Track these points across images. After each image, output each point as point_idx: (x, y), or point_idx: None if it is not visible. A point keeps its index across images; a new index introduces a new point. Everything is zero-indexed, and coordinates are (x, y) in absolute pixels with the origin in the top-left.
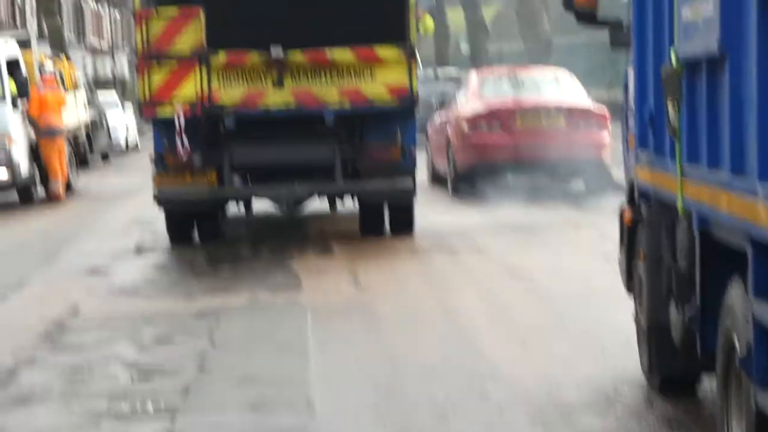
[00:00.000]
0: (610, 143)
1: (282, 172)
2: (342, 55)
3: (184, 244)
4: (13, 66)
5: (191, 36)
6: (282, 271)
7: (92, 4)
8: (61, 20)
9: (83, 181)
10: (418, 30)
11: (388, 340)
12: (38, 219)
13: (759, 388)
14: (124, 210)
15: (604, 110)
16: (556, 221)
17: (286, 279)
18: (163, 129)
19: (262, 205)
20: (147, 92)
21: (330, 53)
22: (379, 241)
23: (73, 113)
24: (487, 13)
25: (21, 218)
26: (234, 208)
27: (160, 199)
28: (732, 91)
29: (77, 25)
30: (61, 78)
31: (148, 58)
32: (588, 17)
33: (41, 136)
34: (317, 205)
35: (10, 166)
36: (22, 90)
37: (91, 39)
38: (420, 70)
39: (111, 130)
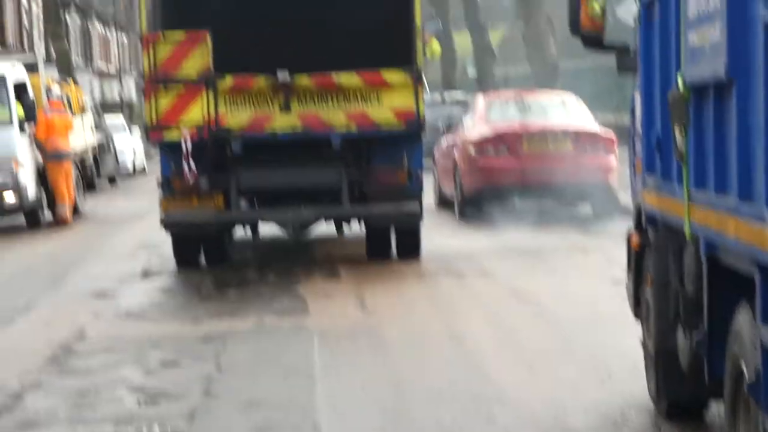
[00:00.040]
0: (617, 167)
1: (289, 196)
2: (349, 79)
3: (190, 267)
4: (20, 90)
5: (198, 60)
6: (289, 295)
7: (100, 28)
8: (69, 44)
9: (90, 204)
10: (424, 54)
11: (395, 364)
12: (45, 242)
13: (767, 415)
14: (131, 233)
15: (611, 134)
16: (563, 245)
17: (292, 303)
18: (170, 153)
19: (268, 229)
20: (154, 116)
21: (337, 77)
22: (385, 265)
23: (81, 137)
24: (494, 37)
25: (28, 242)
26: (241, 232)
27: (167, 223)
28: (739, 116)
29: (85, 48)
30: (69, 102)
31: (155, 81)
32: (595, 42)
33: (48, 159)
34: (324, 228)
35: (18, 189)
36: (30, 114)
37: (99, 63)
38: (427, 94)
39: (118, 154)
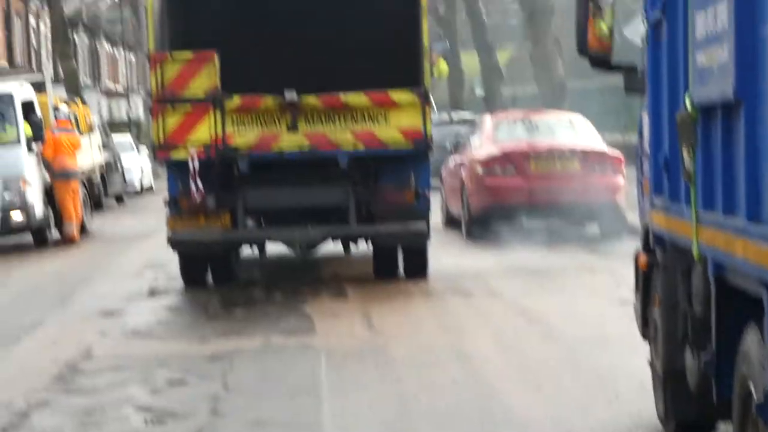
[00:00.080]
0: (624, 187)
1: (296, 215)
2: (356, 99)
3: (197, 286)
4: (28, 109)
5: (205, 80)
6: (295, 314)
7: (108, 48)
8: (77, 63)
9: (97, 223)
10: (432, 74)
11: (402, 383)
12: (52, 261)
13: None
14: (138, 252)
15: (618, 154)
16: (571, 265)
17: (299, 322)
18: (177, 172)
19: (275, 248)
20: (161, 135)
21: (344, 97)
22: (393, 284)
23: (88, 155)
24: (502, 57)
25: (35, 260)
26: (248, 251)
27: (174, 242)
28: (747, 137)
29: (92, 68)
30: (76, 120)
31: (162, 101)
32: (602, 62)
33: (56, 178)
34: (331, 247)
35: (25, 208)
36: (37, 133)
37: (107, 82)
38: (434, 114)
39: (125, 173)
